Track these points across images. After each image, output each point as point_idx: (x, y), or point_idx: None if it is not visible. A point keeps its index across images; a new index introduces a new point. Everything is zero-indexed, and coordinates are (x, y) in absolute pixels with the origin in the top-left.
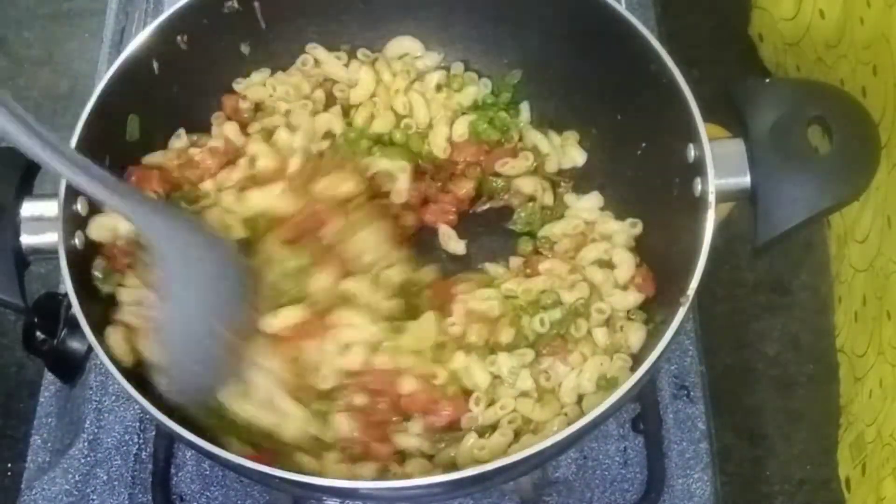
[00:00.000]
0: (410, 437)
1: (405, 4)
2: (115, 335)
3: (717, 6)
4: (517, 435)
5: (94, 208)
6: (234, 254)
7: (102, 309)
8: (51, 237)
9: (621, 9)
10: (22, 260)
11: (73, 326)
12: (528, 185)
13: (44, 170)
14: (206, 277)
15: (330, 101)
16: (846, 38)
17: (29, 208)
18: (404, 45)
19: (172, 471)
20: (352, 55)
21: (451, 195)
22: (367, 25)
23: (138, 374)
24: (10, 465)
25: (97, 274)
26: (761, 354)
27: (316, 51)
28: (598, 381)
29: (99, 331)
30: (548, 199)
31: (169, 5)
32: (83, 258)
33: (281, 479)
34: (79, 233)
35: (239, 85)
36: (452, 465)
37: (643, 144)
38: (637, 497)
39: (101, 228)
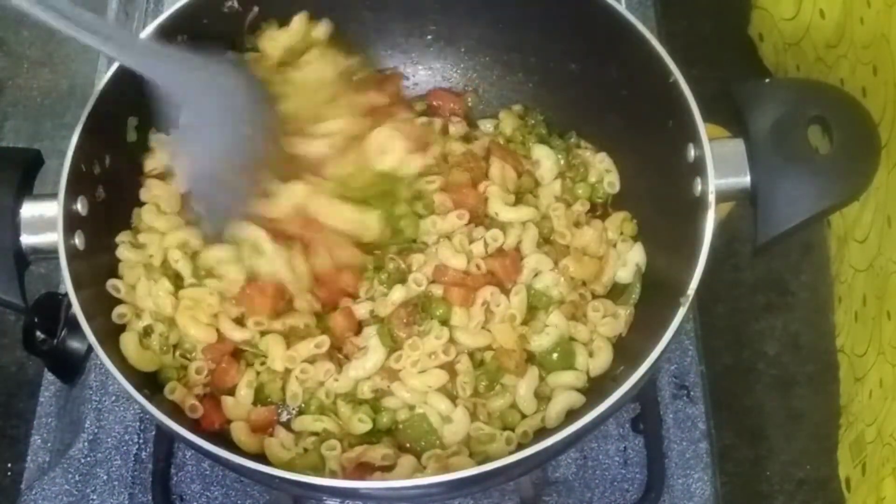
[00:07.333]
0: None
1: (409, 8)
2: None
3: (717, 6)
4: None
5: (94, 207)
6: (252, 91)
7: (103, 310)
8: (51, 237)
9: (621, 9)
10: (22, 260)
11: (73, 326)
12: None
13: (44, 169)
14: (224, 119)
15: None
16: (846, 38)
17: (29, 208)
18: None
19: (172, 471)
20: None
21: None
22: (369, 29)
23: (139, 375)
24: (10, 465)
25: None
26: (761, 354)
27: None
28: None
29: (99, 332)
30: None
31: (169, 5)
32: (83, 257)
33: (281, 479)
34: (79, 233)
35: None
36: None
37: (643, 144)
38: (637, 497)
39: None
